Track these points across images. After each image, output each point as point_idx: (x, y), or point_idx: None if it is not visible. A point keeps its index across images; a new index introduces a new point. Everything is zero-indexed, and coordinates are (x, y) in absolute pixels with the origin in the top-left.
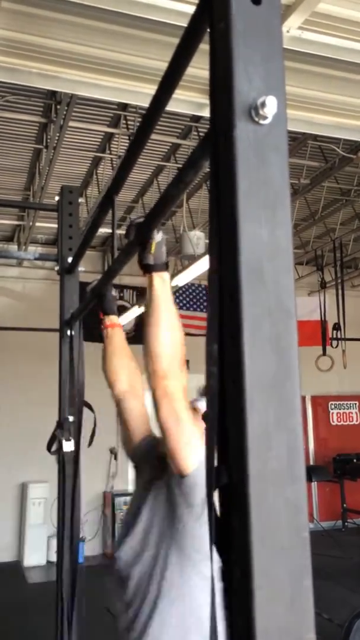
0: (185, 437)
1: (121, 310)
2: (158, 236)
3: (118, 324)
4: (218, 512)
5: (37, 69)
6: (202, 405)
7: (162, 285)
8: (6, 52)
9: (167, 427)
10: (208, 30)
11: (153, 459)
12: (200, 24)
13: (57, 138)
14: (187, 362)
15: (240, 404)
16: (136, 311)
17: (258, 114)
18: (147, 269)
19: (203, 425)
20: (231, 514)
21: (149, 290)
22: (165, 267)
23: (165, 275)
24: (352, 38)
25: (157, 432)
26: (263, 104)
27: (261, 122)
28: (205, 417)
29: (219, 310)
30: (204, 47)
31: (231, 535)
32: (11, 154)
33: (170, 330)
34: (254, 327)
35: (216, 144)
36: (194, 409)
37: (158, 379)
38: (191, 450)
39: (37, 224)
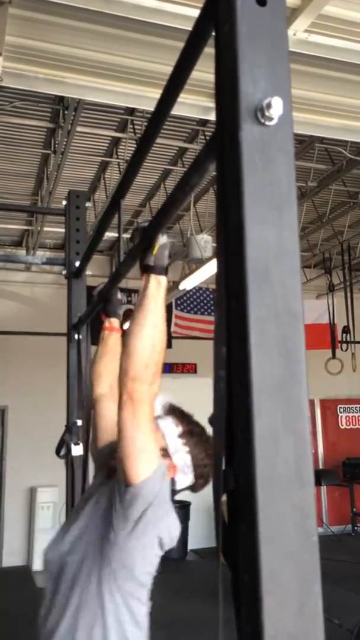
0: (140, 444)
1: (129, 313)
2: (162, 239)
3: (117, 329)
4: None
5: (44, 75)
6: (163, 423)
7: (157, 288)
8: (14, 58)
9: (124, 430)
10: (213, 33)
11: (108, 465)
12: (205, 27)
13: (64, 143)
14: (194, 365)
15: (247, 406)
16: None
17: (264, 115)
18: (146, 270)
19: (161, 442)
20: (238, 519)
21: (142, 290)
22: (164, 271)
23: (162, 279)
24: (358, 40)
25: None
26: (269, 105)
27: (267, 123)
28: (211, 421)
29: (227, 312)
30: (210, 50)
31: (239, 540)
32: (19, 159)
33: (152, 335)
34: (261, 329)
35: (222, 146)
36: (156, 428)
37: (128, 380)
38: (143, 460)
39: (46, 228)
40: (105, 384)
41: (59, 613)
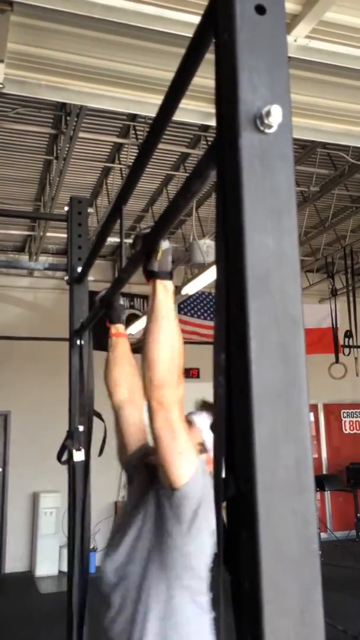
0: (178, 448)
1: (133, 318)
2: (165, 244)
3: (123, 334)
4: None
5: (47, 81)
6: (198, 419)
7: (165, 293)
8: (16, 65)
9: (160, 437)
10: (213, 40)
11: (144, 470)
12: (205, 35)
13: (67, 149)
14: (197, 370)
15: (247, 413)
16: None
17: (263, 123)
18: (151, 276)
19: (197, 438)
20: (239, 526)
21: (152, 298)
22: (169, 275)
23: (169, 284)
24: (359, 46)
25: (152, 443)
26: (268, 113)
27: (266, 131)
28: (212, 427)
29: (226, 319)
30: (212, 56)
31: (239, 547)
32: (22, 165)
33: (169, 340)
34: (261, 336)
35: (222, 153)
36: (189, 422)
37: (154, 388)
38: (184, 462)
39: (48, 234)
40: (124, 390)
41: (127, 620)
